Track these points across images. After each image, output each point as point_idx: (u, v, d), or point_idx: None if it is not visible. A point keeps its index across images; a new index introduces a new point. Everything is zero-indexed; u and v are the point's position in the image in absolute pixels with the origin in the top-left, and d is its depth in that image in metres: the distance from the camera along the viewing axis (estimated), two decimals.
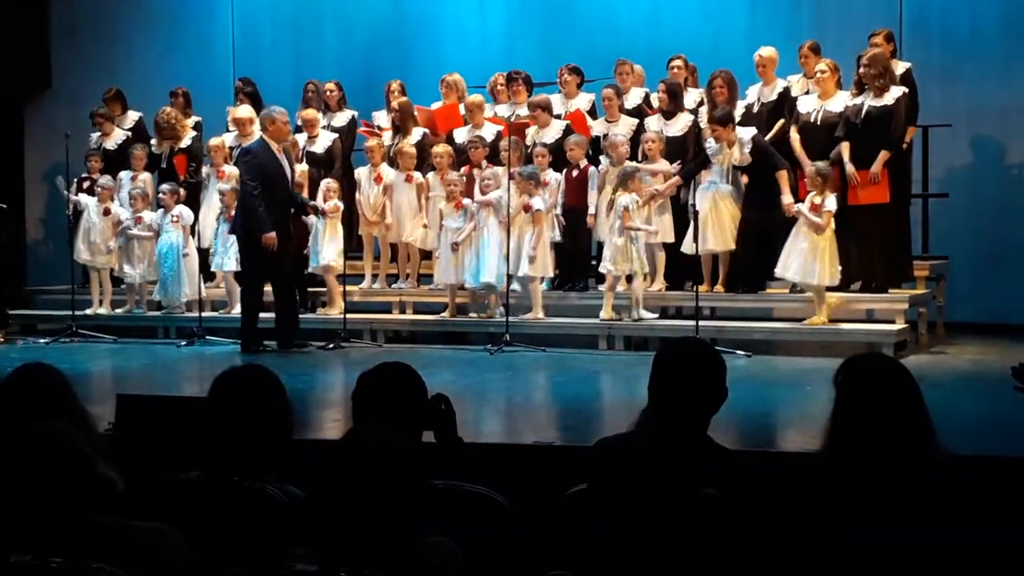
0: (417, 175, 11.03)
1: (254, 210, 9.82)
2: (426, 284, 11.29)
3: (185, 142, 12.02)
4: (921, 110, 10.24)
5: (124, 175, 12.05)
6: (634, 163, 10.14)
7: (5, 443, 2.82)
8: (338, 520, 2.72)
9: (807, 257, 9.34)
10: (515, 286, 10.45)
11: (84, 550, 2.70)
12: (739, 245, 9.93)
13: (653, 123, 10.65)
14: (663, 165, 10.28)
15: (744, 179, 9.98)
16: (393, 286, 11.36)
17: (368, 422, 3.23)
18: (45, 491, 2.73)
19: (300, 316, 11.00)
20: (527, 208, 10.23)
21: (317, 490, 2.79)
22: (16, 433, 2.85)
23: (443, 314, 10.92)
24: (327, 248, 10.92)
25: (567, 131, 10.80)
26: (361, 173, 11.30)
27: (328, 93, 11.94)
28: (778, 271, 9.63)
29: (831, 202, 9.31)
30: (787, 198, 9.53)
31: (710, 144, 10.00)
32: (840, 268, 9.48)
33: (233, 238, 11.02)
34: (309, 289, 11.38)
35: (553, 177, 10.58)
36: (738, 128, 9.92)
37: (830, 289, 9.57)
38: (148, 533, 2.81)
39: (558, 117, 11.15)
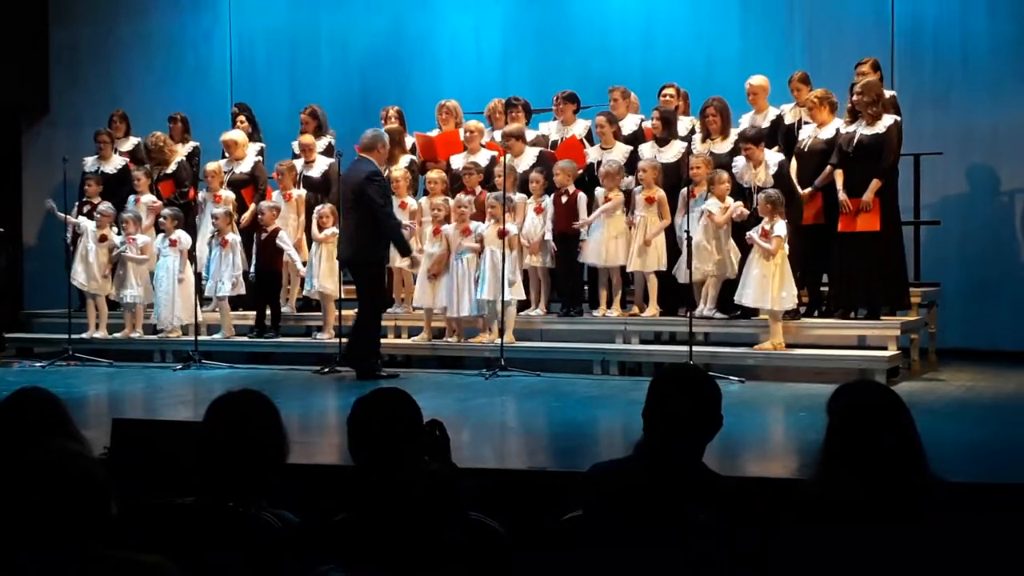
0: (410, 201, 11.05)
1: (394, 231, 9.83)
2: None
3: (171, 167, 12.06)
4: (913, 136, 10.31)
5: (131, 199, 12.09)
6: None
7: (9, 463, 2.82)
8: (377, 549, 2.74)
9: (760, 282, 9.47)
10: (485, 311, 10.51)
11: None
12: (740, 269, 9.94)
13: (646, 150, 10.69)
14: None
15: (741, 208, 9.95)
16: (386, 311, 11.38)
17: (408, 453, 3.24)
18: (46, 517, 2.73)
19: (295, 340, 11.08)
20: (503, 234, 10.26)
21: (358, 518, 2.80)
22: (27, 453, 2.85)
23: (417, 338, 10.94)
24: (323, 273, 10.95)
25: (539, 159, 10.85)
26: None
27: (304, 124, 11.94)
28: (736, 297, 9.76)
29: (780, 227, 9.45)
30: (780, 229, 9.54)
31: (737, 163, 10.04)
32: (795, 292, 9.62)
33: (230, 261, 11.07)
34: (303, 313, 11.42)
35: (548, 202, 10.62)
36: (767, 151, 9.98)
37: (822, 315, 9.62)
38: (147, 567, 2.79)
39: (554, 144, 11.20)
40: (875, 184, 9.59)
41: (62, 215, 11.86)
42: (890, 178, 9.72)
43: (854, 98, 9.77)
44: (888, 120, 9.67)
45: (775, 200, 9.48)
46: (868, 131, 9.67)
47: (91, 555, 2.73)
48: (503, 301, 10.21)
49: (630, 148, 10.82)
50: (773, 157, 9.96)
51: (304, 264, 11.17)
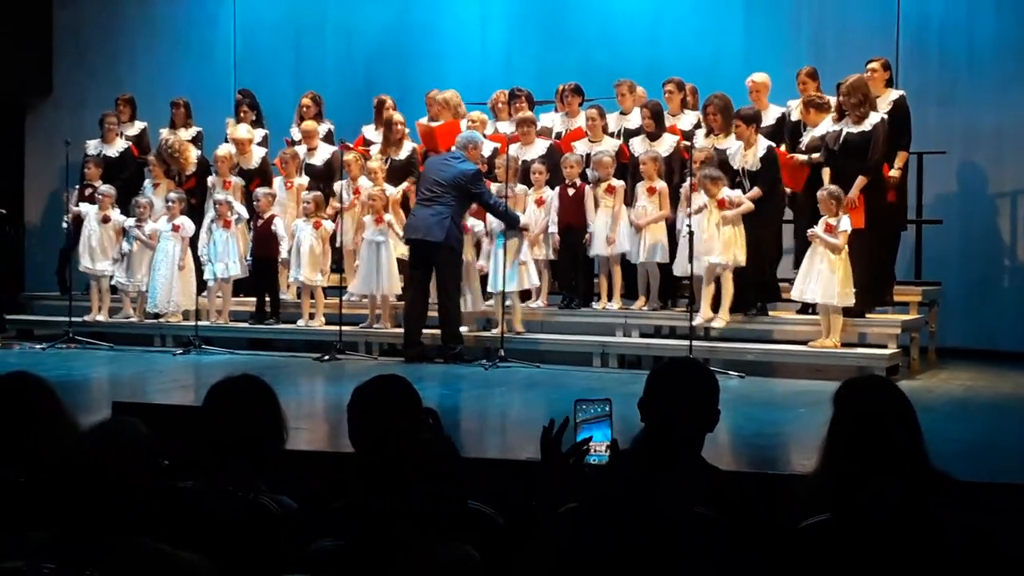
0: (391, 190, 11.02)
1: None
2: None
3: (191, 169, 12.01)
4: (917, 135, 10.28)
5: (148, 184, 12.06)
6: (710, 170, 9.91)
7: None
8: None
9: (827, 279, 9.38)
10: (491, 302, 10.52)
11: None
12: (748, 264, 9.92)
13: (638, 144, 10.69)
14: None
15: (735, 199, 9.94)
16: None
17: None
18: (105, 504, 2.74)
19: (295, 327, 11.11)
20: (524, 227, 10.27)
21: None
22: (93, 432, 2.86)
23: (362, 326, 10.95)
24: (306, 264, 10.96)
25: (550, 149, 10.86)
26: (341, 186, 11.29)
27: (304, 109, 11.95)
28: (795, 295, 9.65)
29: (845, 222, 9.36)
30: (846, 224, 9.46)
31: (731, 146, 10.04)
32: (854, 290, 9.48)
33: (231, 246, 11.08)
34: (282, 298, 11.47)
35: (549, 195, 10.62)
36: (761, 137, 9.98)
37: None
38: (186, 564, 2.79)
39: (559, 136, 11.20)
40: (860, 181, 9.58)
41: (69, 205, 11.86)
42: (876, 176, 9.71)
43: (840, 98, 9.77)
44: (875, 118, 9.66)
45: (837, 196, 9.41)
46: (855, 129, 9.67)
47: (135, 546, 2.73)
48: (503, 293, 10.21)
49: (619, 142, 10.82)
50: (764, 142, 9.95)
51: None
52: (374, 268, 10.64)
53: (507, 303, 10.32)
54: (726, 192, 9.76)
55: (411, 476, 2.93)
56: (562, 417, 3.20)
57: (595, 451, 3.21)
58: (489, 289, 10.48)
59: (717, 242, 9.71)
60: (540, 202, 10.55)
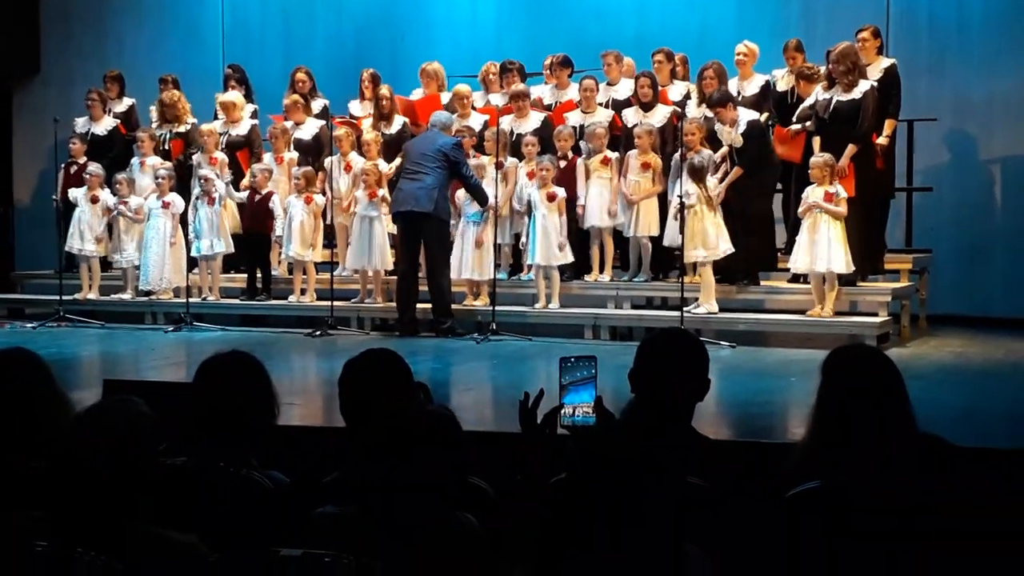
0: (384, 165, 11.01)
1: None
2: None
3: (184, 127, 12.01)
4: (907, 103, 10.28)
5: (135, 161, 12.02)
6: (703, 155, 9.90)
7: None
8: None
9: (831, 246, 9.35)
10: (531, 275, 10.53)
11: (120, 554, 2.71)
12: (736, 236, 9.91)
13: (631, 115, 10.67)
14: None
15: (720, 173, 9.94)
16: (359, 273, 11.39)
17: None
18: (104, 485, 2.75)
19: (287, 303, 11.11)
20: (552, 197, 10.24)
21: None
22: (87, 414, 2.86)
23: (354, 301, 10.95)
24: (297, 240, 10.96)
25: (545, 122, 10.83)
26: (332, 162, 11.27)
27: (300, 83, 11.91)
28: (800, 266, 9.60)
29: (842, 189, 9.36)
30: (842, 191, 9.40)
31: (718, 128, 10.03)
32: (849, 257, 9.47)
33: (215, 222, 11.06)
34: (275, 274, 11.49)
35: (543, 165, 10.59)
36: (741, 109, 9.96)
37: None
38: (180, 546, 2.80)
39: (549, 107, 11.18)
40: (850, 149, 9.59)
41: (56, 198, 11.84)
42: (866, 144, 9.70)
43: (830, 66, 9.75)
44: (864, 86, 9.65)
45: (831, 164, 9.41)
46: (844, 97, 9.66)
47: (130, 530, 2.74)
48: (496, 266, 10.20)
49: (612, 113, 10.80)
50: (745, 115, 9.94)
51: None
52: (367, 243, 10.64)
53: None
54: (710, 182, 9.75)
55: (412, 446, 2.95)
56: (554, 389, 3.20)
57: (580, 412, 3.21)
58: (526, 261, 10.53)
59: (701, 237, 9.71)
60: (531, 175, 10.53)
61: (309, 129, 11.64)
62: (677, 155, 10.07)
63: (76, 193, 11.76)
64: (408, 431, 2.99)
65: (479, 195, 10.26)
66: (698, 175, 9.68)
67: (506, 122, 10.86)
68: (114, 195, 11.65)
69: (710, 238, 9.70)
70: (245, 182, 11.44)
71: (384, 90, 11.31)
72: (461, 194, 10.44)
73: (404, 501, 2.91)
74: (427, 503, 2.94)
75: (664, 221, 10.29)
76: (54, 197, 11.94)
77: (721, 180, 9.89)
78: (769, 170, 10.04)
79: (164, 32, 14.49)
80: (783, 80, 10.53)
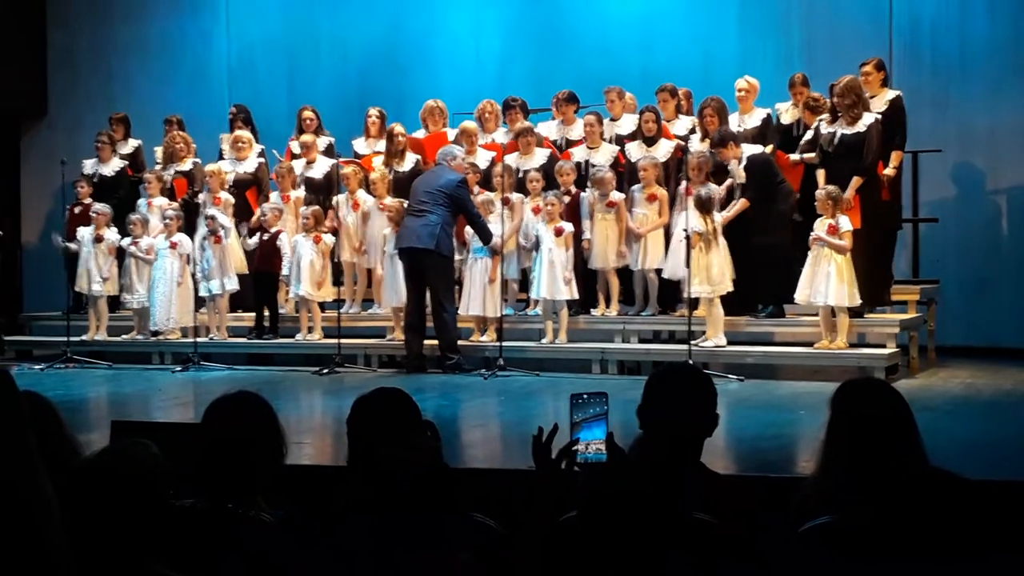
0: (391, 202, 11.04)
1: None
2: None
3: (186, 165, 12.07)
4: (912, 135, 10.29)
5: (143, 201, 12.05)
6: (709, 188, 9.94)
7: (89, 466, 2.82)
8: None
9: (836, 280, 9.35)
10: (537, 310, 10.54)
11: None
12: (750, 268, 9.92)
13: (634, 149, 10.70)
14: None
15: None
16: (367, 311, 11.41)
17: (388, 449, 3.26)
18: (115, 528, 2.73)
19: (294, 341, 11.11)
20: (559, 232, 10.25)
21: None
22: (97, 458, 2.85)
23: (389, 338, 10.95)
24: (305, 278, 10.97)
25: (551, 158, 10.87)
26: (340, 200, 11.31)
27: (307, 122, 11.97)
28: (804, 299, 9.57)
29: (846, 222, 9.36)
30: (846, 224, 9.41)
31: (731, 164, 10.06)
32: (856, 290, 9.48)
33: (224, 261, 11.09)
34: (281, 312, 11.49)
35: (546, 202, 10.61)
36: (744, 146, 10.00)
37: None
38: None
39: (555, 144, 11.22)
40: (856, 182, 9.60)
41: (62, 245, 11.89)
42: (871, 176, 9.72)
43: (834, 99, 9.79)
44: (868, 119, 9.67)
45: (835, 196, 9.42)
46: (849, 130, 9.68)
47: (142, 573, 2.73)
48: (504, 301, 10.19)
49: (617, 148, 10.83)
50: (747, 150, 10.00)
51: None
52: (399, 279, 10.62)
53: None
54: (717, 217, 9.78)
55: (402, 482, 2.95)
56: (562, 425, 3.19)
57: (593, 449, 3.20)
58: (532, 296, 10.55)
59: (706, 272, 9.71)
60: (536, 210, 10.55)
61: (320, 168, 11.68)
62: (681, 187, 10.09)
63: (83, 233, 11.80)
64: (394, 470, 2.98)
65: (483, 233, 10.28)
66: (704, 208, 9.70)
67: (512, 159, 10.89)
68: (126, 235, 11.69)
69: (714, 272, 9.70)
70: (255, 220, 11.48)
71: (398, 127, 11.36)
72: (470, 230, 10.46)
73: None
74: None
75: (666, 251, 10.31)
76: (55, 236, 12.01)
77: (722, 210, 9.92)
78: (780, 200, 10.00)
79: (170, 74, 14.58)
80: (788, 113, 10.56)
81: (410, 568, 2.88)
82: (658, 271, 10.43)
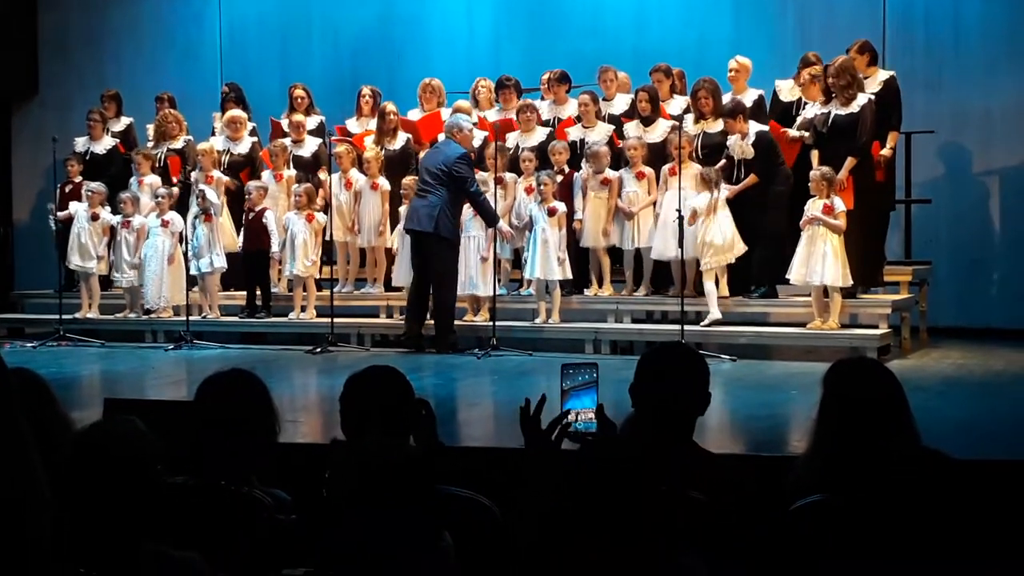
0: (382, 182, 11.03)
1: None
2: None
3: (179, 143, 12.04)
4: (905, 116, 10.29)
5: (134, 180, 12.02)
6: (712, 168, 9.97)
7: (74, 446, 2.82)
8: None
9: (832, 259, 9.36)
10: (531, 290, 10.54)
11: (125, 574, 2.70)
12: (750, 246, 9.94)
13: (632, 129, 10.69)
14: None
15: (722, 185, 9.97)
16: (360, 291, 11.40)
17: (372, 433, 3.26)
18: (107, 507, 2.73)
19: (287, 320, 11.11)
20: (552, 212, 10.25)
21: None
22: (87, 437, 2.85)
23: (400, 316, 10.92)
24: (298, 256, 10.97)
25: (550, 137, 10.86)
26: (332, 179, 11.27)
27: (299, 100, 11.94)
28: (798, 279, 9.59)
29: (840, 203, 9.37)
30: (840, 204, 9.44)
31: (730, 139, 10.06)
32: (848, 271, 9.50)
33: (213, 239, 11.07)
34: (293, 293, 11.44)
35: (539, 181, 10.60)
36: (751, 122, 10.00)
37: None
38: (179, 562, 2.79)
39: (547, 123, 11.19)
40: (849, 162, 9.61)
41: (52, 218, 11.85)
42: (865, 157, 9.72)
43: (828, 80, 9.78)
44: (862, 100, 9.67)
45: (829, 177, 9.43)
46: (843, 111, 9.68)
47: (134, 549, 2.73)
48: (496, 281, 10.20)
49: (612, 127, 10.82)
50: (753, 127, 9.99)
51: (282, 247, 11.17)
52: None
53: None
54: (724, 191, 9.81)
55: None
56: (556, 403, 3.20)
57: (583, 418, 3.21)
58: (525, 276, 10.54)
59: (712, 244, 9.74)
60: (529, 190, 10.54)
61: (308, 147, 11.66)
62: (665, 168, 10.13)
63: (77, 207, 11.76)
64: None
65: (486, 214, 10.25)
66: (708, 184, 9.71)
67: (512, 137, 10.87)
68: (117, 214, 11.66)
69: (722, 243, 9.71)
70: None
71: (389, 106, 11.33)
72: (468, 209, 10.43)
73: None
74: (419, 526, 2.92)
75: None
76: (50, 205, 11.97)
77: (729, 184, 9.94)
78: (779, 182, 10.01)
79: (162, 52, 14.51)
80: (789, 91, 10.54)
81: (392, 560, 2.87)
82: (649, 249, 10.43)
